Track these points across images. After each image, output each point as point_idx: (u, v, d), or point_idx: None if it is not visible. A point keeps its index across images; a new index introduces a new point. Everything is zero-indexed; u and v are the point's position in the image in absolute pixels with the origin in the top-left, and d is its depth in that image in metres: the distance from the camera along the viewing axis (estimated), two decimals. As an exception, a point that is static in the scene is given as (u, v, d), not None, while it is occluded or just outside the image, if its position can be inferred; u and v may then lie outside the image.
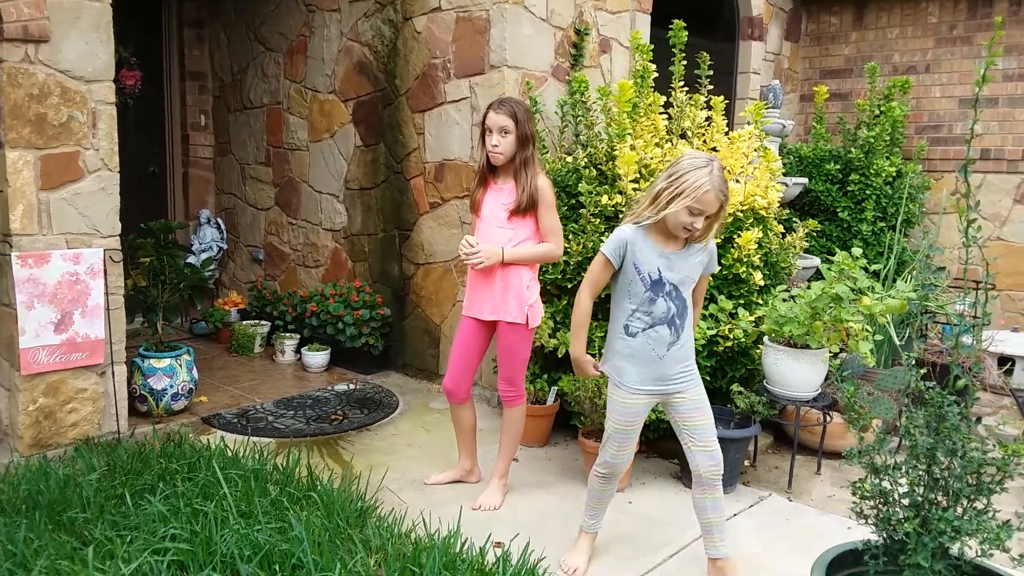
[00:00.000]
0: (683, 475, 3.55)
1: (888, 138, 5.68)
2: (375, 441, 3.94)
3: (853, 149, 5.72)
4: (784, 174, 5.47)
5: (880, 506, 2.06)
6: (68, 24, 3.33)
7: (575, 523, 2.92)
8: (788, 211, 5.48)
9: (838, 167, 5.67)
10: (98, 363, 3.56)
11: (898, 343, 3.90)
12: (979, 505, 1.99)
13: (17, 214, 3.30)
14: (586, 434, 3.51)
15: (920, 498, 2.00)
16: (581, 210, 3.76)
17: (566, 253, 3.71)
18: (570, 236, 3.74)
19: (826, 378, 3.58)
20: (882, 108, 5.76)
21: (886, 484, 2.05)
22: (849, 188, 5.63)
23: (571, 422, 3.80)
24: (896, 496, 2.04)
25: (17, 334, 3.33)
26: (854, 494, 2.10)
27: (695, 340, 3.56)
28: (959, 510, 1.98)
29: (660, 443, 3.82)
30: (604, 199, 3.68)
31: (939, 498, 1.99)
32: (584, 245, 3.67)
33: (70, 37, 3.35)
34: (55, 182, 3.37)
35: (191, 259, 5.89)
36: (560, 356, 3.82)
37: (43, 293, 3.35)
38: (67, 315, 3.43)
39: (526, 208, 3.07)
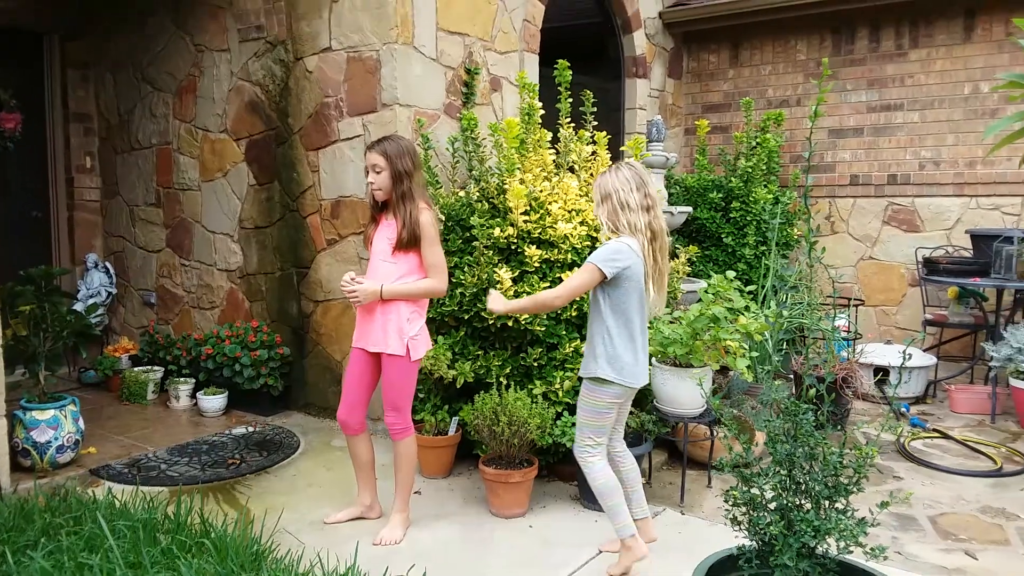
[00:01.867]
0: (582, 496, 3.65)
1: (765, 167, 6.03)
2: (274, 483, 3.88)
3: (733, 179, 6.05)
4: (671, 203, 5.73)
5: (751, 512, 2.20)
6: (-64, 67, 3.23)
7: (476, 551, 2.95)
8: (675, 238, 5.73)
9: (720, 196, 5.97)
10: (-26, 417, 3.40)
11: (776, 360, 4.13)
12: (839, 505, 2.15)
13: None
14: (486, 462, 3.56)
15: (785, 502, 2.15)
16: (475, 243, 3.85)
17: (461, 284, 3.79)
18: (465, 268, 3.83)
19: (714, 393, 3.76)
20: (758, 140, 6.12)
21: (755, 491, 2.19)
22: (732, 215, 5.94)
23: (473, 451, 3.85)
24: (763, 501, 2.18)
25: None
26: (726, 501, 2.23)
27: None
28: (821, 511, 2.13)
29: (560, 467, 3.91)
30: (496, 231, 3.79)
31: (801, 501, 2.14)
32: (479, 277, 3.75)
33: (-62, 80, 3.24)
34: (-77, 230, 3.24)
35: (77, 305, 5.68)
36: (459, 387, 3.88)
37: (-89, 346, 3.19)
38: (-62, 368, 3.27)
39: (408, 243, 3.13)
